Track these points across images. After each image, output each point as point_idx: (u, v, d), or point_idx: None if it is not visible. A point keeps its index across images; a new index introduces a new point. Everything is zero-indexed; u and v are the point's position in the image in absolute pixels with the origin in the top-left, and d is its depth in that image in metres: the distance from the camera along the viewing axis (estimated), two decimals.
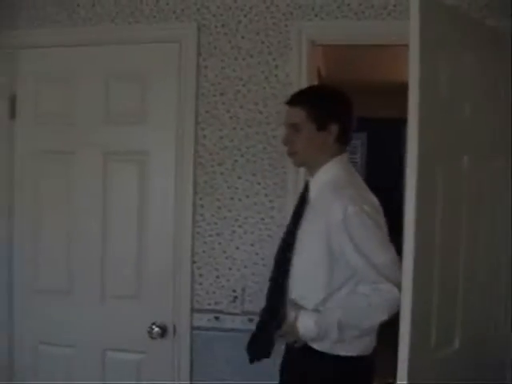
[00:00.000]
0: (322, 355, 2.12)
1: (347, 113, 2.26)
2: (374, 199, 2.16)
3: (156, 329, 2.88)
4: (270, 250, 2.70)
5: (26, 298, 3.07)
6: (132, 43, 2.91)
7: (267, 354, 2.27)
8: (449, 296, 2.10)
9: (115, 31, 2.93)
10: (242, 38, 2.81)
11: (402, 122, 3.06)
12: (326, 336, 2.07)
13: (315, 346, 2.13)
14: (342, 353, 2.10)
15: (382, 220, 2.12)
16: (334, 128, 2.18)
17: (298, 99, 2.25)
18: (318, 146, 2.20)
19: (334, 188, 2.12)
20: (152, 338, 2.88)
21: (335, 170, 2.20)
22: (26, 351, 3.08)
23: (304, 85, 2.69)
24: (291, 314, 2.18)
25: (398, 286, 1.93)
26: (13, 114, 3.04)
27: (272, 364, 2.35)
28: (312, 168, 2.26)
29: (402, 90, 2.19)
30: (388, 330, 2.18)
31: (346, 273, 2.08)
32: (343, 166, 2.23)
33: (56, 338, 3.05)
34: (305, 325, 2.10)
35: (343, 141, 2.24)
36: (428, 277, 1.98)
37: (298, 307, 2.16)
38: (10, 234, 3.07)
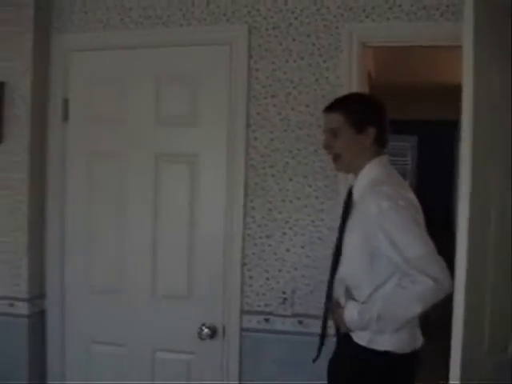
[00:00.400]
0: (363, 349, 2.24)
1: (382, 116, 2.41)
2: (412, 196, 2.28)
3: (206, 330, 2.99)
4: (321, 252, 2.85)
5: (78, 297, 3.23)
6: (183, 46, 3.04)
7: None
8: (502, 299, 2.15)
9: (166, 34, 3.06)
10: (293, 40, 2.90)
11: (454, 123, 3.13)
12: (367, 326, 2.20)
13: (356, 338, 2.27)
14: (378, 347, 2.22)
15: (419, 216, 2.23)
16: (372, 131, 2.33)
17: (335, 105, 2.41)
18: (357, 149, 2.35)
19: (371, 187, 2.25)
20: (201, 338, 2.99)
21: (374, 171, 2.32)
22: (77, 350, 3.24)
23: (355, 86, 2.80)
24: (342, 301, 2.33)
25: (435, 279, 2.04)
26: (65, 115, 3.21)
27: (322, 366, 2.42)
28: (353, 172, 2.41)
29: (454, 91, 2.26)
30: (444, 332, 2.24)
31: (388, 268, 2.19)
32: (382, 166, 2.36)
33: (107, 338, 3.20)
34: (350, 313, 2.25)
35: (381, 143, 2.38)
36: (481, 277, 2.03)
37: (349, 296, 2.30)
38: (62, 234, 3.23)
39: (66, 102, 3.20)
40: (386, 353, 2.21)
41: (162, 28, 3.06)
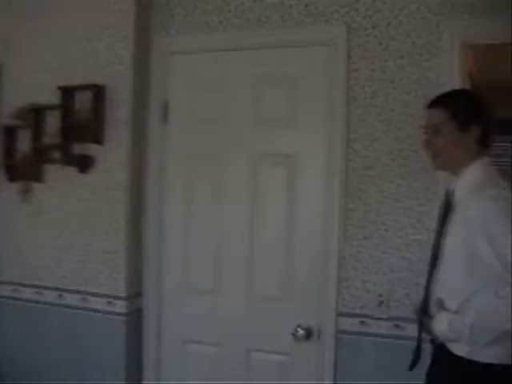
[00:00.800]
0: (462, 360, 2.19)
1: (488, 115, 2.37)
2: None
3: (301, 331, 3.08)
4: (418, 254, 2.88)
5: (174, 296, 3.40)
6: (281, 47, 3.16)
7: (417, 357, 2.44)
8: None
9: (265, 36, 3.18)
10: (393, 39, 2.95)
11: None
12: (458, 338, 2.17)
13: (452, 348, 2.23)
14: (479, 359, 2.16)
15: None
16: (476, 129, 2.31)
17: (439, 101, 2.40)
18: (459, 147, 2.33)
19: (474, 190, 2.23)
20: (296, 340, 3.09)
21: (477, 173, 2.30)
22: (173, 349, 3.41)
23: (456, 86, 2.80)
24: (433, 310, 2.32)
25: None
26: (165, 117, 3.39)
27: (420, 372, 2.43)
28: (453, 171, 2.39)
29: None
30: None
31: (485, 276, 2.14)
32: (484, 169, 2.33)
33: (202, 337, 3.35)
34: (440, 323, 2.23)
35: (485, 143, 2.36)
36: None
37: (441, 306, 2.28)
38: (161, 233, 3.41)
39: (165, 104, 3.38)
40: (488, 365, 2.15)
41: (261, 30, 3.18)
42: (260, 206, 3.21)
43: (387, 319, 2.96)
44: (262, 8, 3.19)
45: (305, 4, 3.11)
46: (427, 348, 2.41)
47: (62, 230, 3.48)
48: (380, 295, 2.98)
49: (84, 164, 3.37)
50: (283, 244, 3.17)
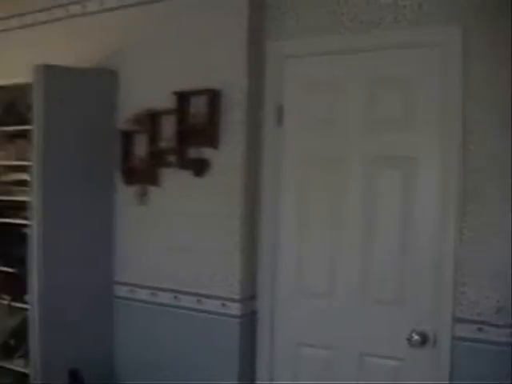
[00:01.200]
0: None
1: None
2: None
3: (416, 337, 3.15)
4: None
5: (288, 299, 3.56)
6: (395, 48, 3.25)
7: None
8: None
9: (379, 37, 3.27)
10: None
11: None
12: None
13: None
14: None
15: None
16: None
17: None
18: None
19: None
20: (411, 345, 3.16)
21: None
22: (286, 352, 3.57)
23: None
24: None
25: None
26: (280, 120, 3.55)
27: None
28: None
29: None
30: None
31: None
32: None
33: (315, 340, 3.49)
34: None
35: None
36: None
37: None
38: (276, 235, 3.59)
39: (280, 107, 3.54)
40: None
41: (375, 31, 3.28)
42: (374, 208, 3.31)
43: (506, 326, 2.96)
44: (376, 9, 3.28)
45: (418, 5, 3.17)
46: None
47: (177, 232, 3.72)
48: (498, 301, 2.99)
49: (199, 168, 3.57)
50: (398, 247, 3.25)
